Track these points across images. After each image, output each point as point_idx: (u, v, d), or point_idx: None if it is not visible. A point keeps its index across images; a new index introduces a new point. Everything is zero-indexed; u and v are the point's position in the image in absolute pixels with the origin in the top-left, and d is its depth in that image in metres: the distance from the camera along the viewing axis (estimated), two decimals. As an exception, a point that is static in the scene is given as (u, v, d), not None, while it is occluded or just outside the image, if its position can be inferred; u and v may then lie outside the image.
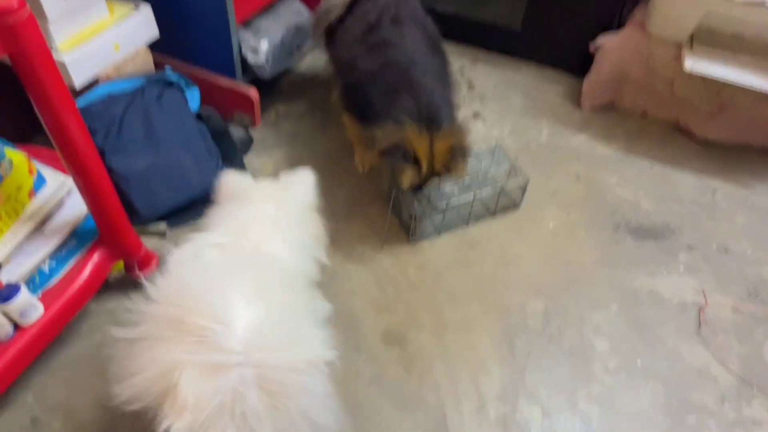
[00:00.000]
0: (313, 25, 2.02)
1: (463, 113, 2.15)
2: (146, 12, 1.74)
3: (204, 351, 0.82)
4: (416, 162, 1.56)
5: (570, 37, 2.31)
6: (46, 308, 1.31)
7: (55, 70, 1.09)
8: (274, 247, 1.16)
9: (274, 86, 2.27)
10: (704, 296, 1.67)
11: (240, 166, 1.89)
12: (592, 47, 2.21)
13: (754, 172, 2.08)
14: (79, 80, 1.61)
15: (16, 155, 1.37)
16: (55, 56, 1.52)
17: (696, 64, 1.91)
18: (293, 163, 1.99)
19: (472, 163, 1.78)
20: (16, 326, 1.28)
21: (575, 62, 2.36)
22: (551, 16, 2.31)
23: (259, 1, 1.99)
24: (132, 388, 0.85)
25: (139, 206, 1.67)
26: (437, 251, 1.76)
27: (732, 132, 2.12)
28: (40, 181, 1.45)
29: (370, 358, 1.49)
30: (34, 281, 1.35)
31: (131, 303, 0.92)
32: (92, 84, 1.71)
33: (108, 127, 1.66)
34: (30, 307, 1.27)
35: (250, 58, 1.92)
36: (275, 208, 1.23)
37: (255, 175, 1.94)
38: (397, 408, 1.39)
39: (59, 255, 1.41)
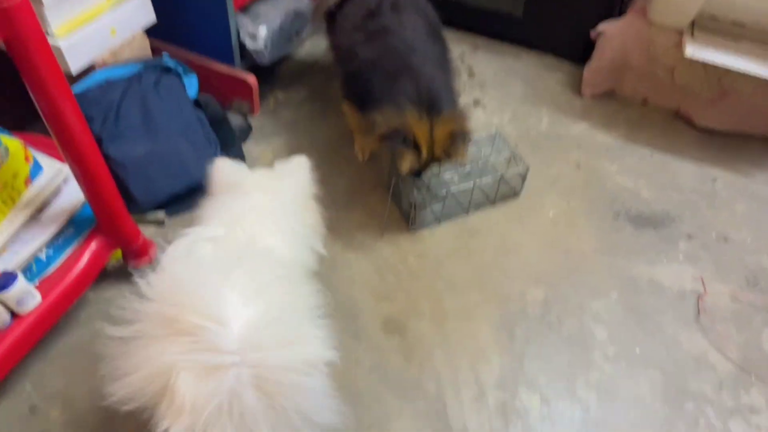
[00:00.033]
0: (313, 11, 2.00)
1: (463, 100, 2.13)
2: (143, -4, 1.72)
3: (199, 351, 0.81)
4: (416, 147, 1.55)
5: (571, 24, 2.29)
6: (43, 297, 1.30)
7: (51, 55, 1.08)
8: (270, 239, 1.15)
9: (273, 73, 2.25)
10: (703, 284, 1.67)
11: (239, 154, 1.88)
12: (593, 34, 2.20)
13: (754, 161, 2.07)
14: (75, 66, 1.59)
15: (11, 142, 1.36)
16: (50, 41, 1.50)
17: (697, 50, 1.90)
18: (292, 151, 1.97)
19: (472, 151, 1.77)
20: (14, 315, 1.27)
21: (576, 49, 2.34)
22: (552, 3, 2.28)
23: (258, -14, 1.97)
24: (126, 387, 0.84)
25: (136, 194, 1.66)
26: (437, 240, 1.75)
27: (732, 120, 2.11)
28: (37, 168, 1.44)
29: (370, 346, 1.48)
30: (31, 269, 1.35)
31: (125, 301, 0.90)
32: (88, 70, 1.69)
33: (105, 113, 1.64)
34: (27, 295, 1.27)
35: (249, 44, 1.90)
36: (270, 197, 1.21)
37: (254, 163, 1.93)
38: (397, 396, 1.39)
39: (56, 243, 1.40)
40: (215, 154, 1.77)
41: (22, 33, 1.00)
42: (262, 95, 2.11)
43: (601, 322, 1.57)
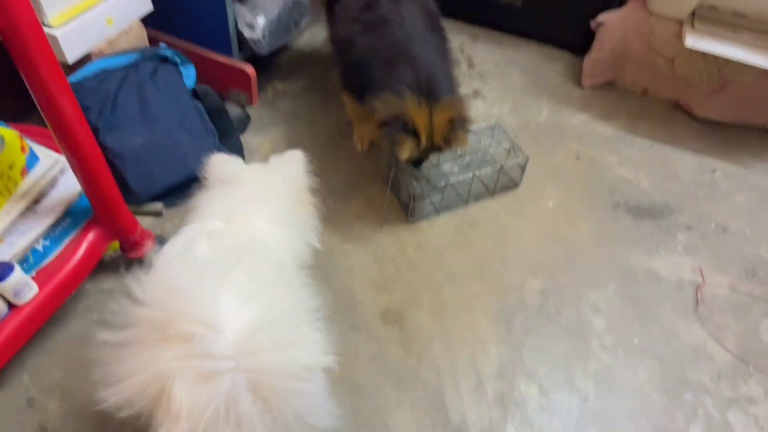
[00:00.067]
0: (312, 0, 1.98)
1: (463, 91, 2.12)
2: (139, -15, 1.71)
3: (194, 357, 0.80)
4: (415, 134, 1.55)
5: (571, 15, 2.28)
6: (40, 288, 1.30)
7: (46, 45, 1.06)
8: (265, 233, 1.15)
9: (271, 63, 2.23)
10: (702, 275, 1.67)
11: (237, 144, 1.87)
12: (593, 24, 2.18)
13: (753, 152, 2.07)
14: (71, 55, 1.58)
15: (7, 133, 1.35)
16: (46, 30, 1.49)
17: (697, 41, 1.89)
18: (291, 142, 1.97)
19: (471, 142, 1.76)
20: (10, 306, 1.26)
21: (576, 40, 2.33)
22: (552, -7, 2.27)
23: (255, -25, 1.95)
24: (120, 393, 0.83)
25: (134, 185, 1.65)
26: (436, 231, 1.75)
27: (732, 111, 2.10)
28: (33, 159, 1.43)
29: (368, 337, 1.48)
30: (28, 260, 1.34)
31: (118, 305, 0.89)
32: (85, 59, 1.68)
33: (102, 103, 1.63)
34: (24, 286, 1.26)
35: (247, 33, 1.89)
36: (265, 190, 1.21)
37: (252, 153, 1.92)
38: (396, 387, 1.39)
39: (53, 234, 1.39)
40: (213, 145, 1.76)
41: (18, 22, 0.99)
42: (261, 86, 2.10)
43: (600, 313, 1.57)
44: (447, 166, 1.90)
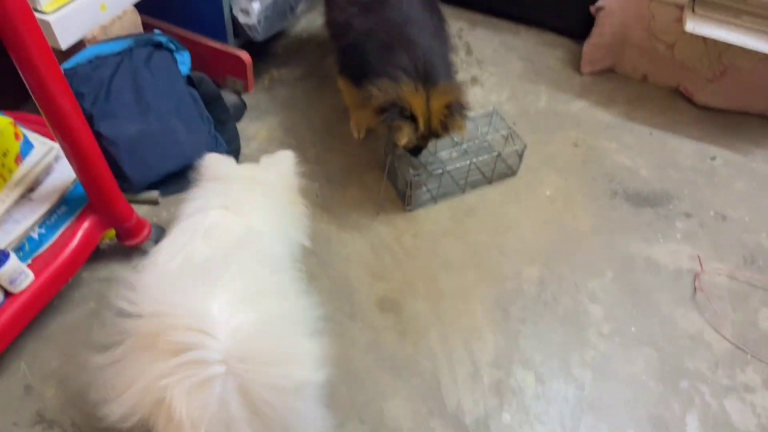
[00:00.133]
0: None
1: (461, 78, 2.10)
2: (133, -30, 1.68)
3: (188, 365, 0.80)
4: (413, 119, 1.53)
5: (570, 0, 2.25)
6: (36, 275, 1.30)
7: (38, 30, 1.05)
8: (261, 225, 1.15)
9: (268, 50, 2.21)
10: (700, 263, 1.66)
11: (233, 132, 1.85)
12: (592, 9, 2.16)
13: (754, 139, 2.05)
14: (64, 41, 1.56)
15: (0, 120, 1.34)
16: (38, 16, 1.47)
17: (697, 25, 1.87)
18: (287, 129, 1.96)
19: (469, 129, 1.75)
20: (6, 294, 1.26)
21: (576, 26, 2.30)
22: (551, -22, 2.25)
23: (251, -40, 1.92)
24: (120, 407, 0.83)
25: (129, 173, 1.64)
26: (433, 219, 1.74)
27: (732, 97, 2.09)
28: (27, 146, 1.42)
29: (365, 325, 1.48)
30: (23, 248, 1.34)
31: (110, 320, 0.88)
32: (78, 46, 1.66)
33: (96, 91, 1.62)
34: (19, 274, 1.26)
35: (242, 19, 1.87)
36: (258, 188, 1.22)
37: (248, 141, 1.91)
38: (392, 375, 1.39)
39: (49, 222, 1.39)
40: (209, 133, 1.75)
41: (9, 7, 0.98)
42: (257, 73, 2.08)
43: (597, 301, 1.57)
44: (444, 153, 1.89)
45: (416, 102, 1.51)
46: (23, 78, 1.10)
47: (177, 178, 1.69)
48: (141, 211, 1.63)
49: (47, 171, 1.44)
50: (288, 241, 1.22)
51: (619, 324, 1.52)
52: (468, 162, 1.78)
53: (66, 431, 1.27)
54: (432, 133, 1.60)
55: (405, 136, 1.54)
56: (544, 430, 1.32)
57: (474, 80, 2.19)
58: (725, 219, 1.80)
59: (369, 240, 1.67)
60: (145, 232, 1.52)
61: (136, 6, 1.76)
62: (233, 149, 1.82)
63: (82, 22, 1.60)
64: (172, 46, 1.79)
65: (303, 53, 2.26)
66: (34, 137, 1.46)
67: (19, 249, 1.33)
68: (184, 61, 1.81)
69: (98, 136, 1.57)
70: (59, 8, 1.52)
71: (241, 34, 1.93)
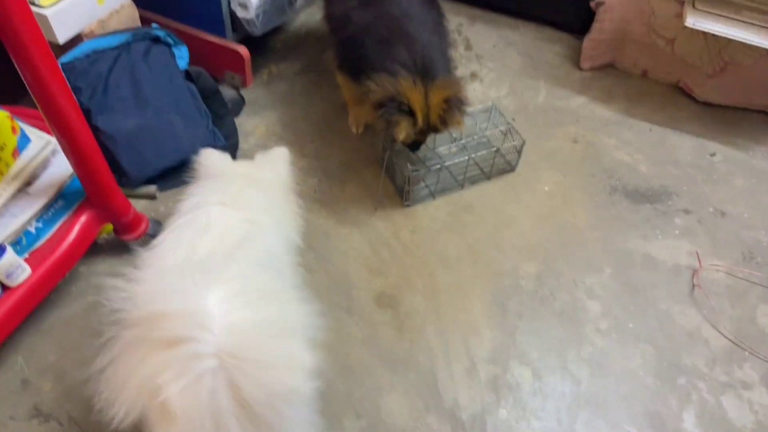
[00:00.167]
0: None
1: (460, 73, 2.10)
2: (131, -36, 1.68)
3: (182, 358, 0.80)
4: (411, 114, 1.53)
5: (571, -5, 2.25)
6: (33, 269, 1.30)
7: (34, 24, 1.05)
8: (259, 219, 1.15)
9: (266, 45, 2.21)
10: (698, 259, 1.66)
11: (231, 127, 1.85)
12: (592, 4, 2.15)
13: (754, 135, 2.05)
14: (62, 35, 1.56)
15: (-3, 114, 1.34)
16: (36, 10, 1.48)
17: (698, 20, 1.86)
18: (286, 125, 1.96)
19: (467, 124, 1.74)
20: (3, 287, 1.27)
21: (576, 21, 2.30)
22: (552, -27, 2.24)
23: (249, -46, 1.91)
24: (116, 400, 0.82)
25: (127, 168, 1.64)
26: (431, 215, 1.74)
27: (732, 93, 2.08)
28: (24, 140, 1.42)
29: (362, 320, 1.48)
30: (20, 242, 1.34)
31: (108, 314, 0.87)
32: (76, 40, 1.66)
33: (93, 85, 1.62)
34: (16, 268, 1.26)
35: (240, 13, 1.86)
36: (254, 184, 1.21)
37: (247, 136, 1.91)
38: (389, 370, 1.39)
39: (46, 216, 1.39)
40: (207, 127, 1.75)
41: (6, 1, 0.97)
42: (256, 68, 2.08)
43: (595, 297, 1.57)
44: (443, 148, 1.88)
45: (414, 96, 1.51)
46: (20, 72, 1.09)
47: (175, 173, 1.69)
48: (139, 205, 1.63)
49: (44, 165, 1.43)
50: (285, 239, 1.22)
51: (616, 320, 1.52)
52: (466, 158, 1.78)
53: (62, 425, 1.27)
54: (430, 128, 1.59)
55: (403, 131, 1.53)
56: (540, 426, 1.32)
57: (473, 75, 2.19)
58: (724, 215, 1.79)
59: (367, 235, 1.67)
60: (143, 226, 1.52)
61: (134, 0, 1.76)
62: (231, 144, 1.81)
63: (80, 17, 1.60)
64: (170, 41, 1.79)
65: (302, 48, 2.25)
66: (32, 131, 1.46)
67: (16, 243, 1.33)
68: (182, 55, 1.81)
69: (96, 130, 1.57)
70: (56, 2, 1.53)
71: (239, 28, 1.92)
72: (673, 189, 1.85)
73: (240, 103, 1.97)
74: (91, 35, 1.68)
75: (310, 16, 2.36)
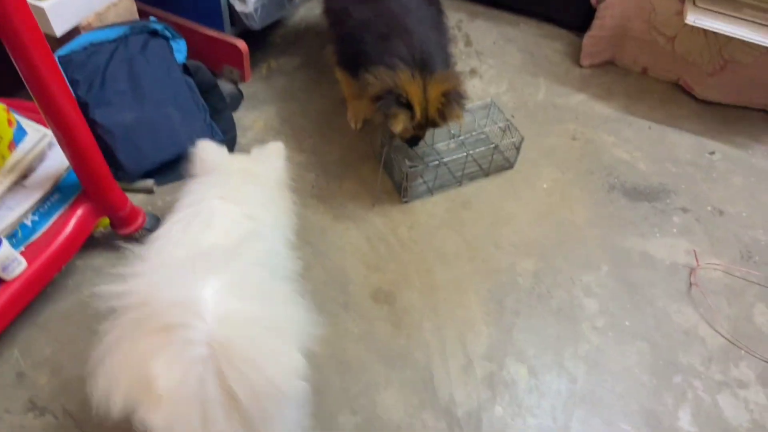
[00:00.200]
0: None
1: (460, 69, 2.09)
2: (129, -43, 1.67)
3: (173, 344, 0.80)
4: (409, 108, 1.52)
5: (571, -9, 2.24)
6: (29, 263, 1.30)
7: (30, 15, 1.04)
8: (258, 214, 1.15)
9: (265, 39, 2.20)
10: (696, 258, 1.66)
11: (229, 121, 1.84)
12: (593, 1, 2.14)
13: (753, 134, 2.04)
14: (59, 28, 1.55)
15: (-7, 106, 1.33)
16: (33, 2, 1.47)
17: (698, 18, 1.85)
18: (285, 120, 1.95)
19: (466, 121, 1.74)
20: (-1, 281, 1.26)
21: (576, 18, 2.29)
22: (552, -31, 2.23)
23: (248, -53, 1.90)
24: (108, 386, 0.82)
25: (124, 161, 1.63)
26: (429, 211, 1.74)
27: (733, 91, 2.07)
28: (21, 133, 1.41)
29: (359, 316, 1.48)
30: (16, 235, 1.33)
31: (104, 305, 0.87)
32: (73, 33, 1.65)
33: (91, 78, 1.61)
34: (12, 261, 1.26)
35: (238, 7, 1.85)
36: (251, 179, 1.21)
37: (245, 131, 1.90)
38: (385, 366, 1.39)
39: (42, 209, 1.38)
40: (204, 121, 1.74)
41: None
42: (255, 62, 2.07)
43: (592, 295, 1.56)
44: (441, 145, 1.88)
45: (413, 90, 1.51)
46: (15, 64, 1.09)
47: (172, 167, 1.68)
48: (136, 199, 1.63)
49: (41, 158, 1.43)
50: (282, 235, 1.21)
51: (613, 318, 1.52)
52: (465, 154, 1.77)
53: (58, 418, 1.27)
54: (429, 122, 1.59)
55: (400, 124, 1.53)
56: (536, 423, 1.32)
57: (473, 72, 2.18)
58: (722, 214, 1.79)
59: (364, 231, 1.67)
60: (140, 220, 1.51)
61: (132, -8, 1.76)
62: (229, 139, 1.81)
63: (77, 9, 1.59)
64: (168, 34, 1.78)
65: (301, 43, 2.24)
66: (28, 124, 1.45)
67: (12, 236, 1.32)
68: (180, 49, 1.80)
69: (93, 123, 1.56)
70: (54, -6, 1.52)
71: (237, 22, 1.91)
72: (671, 187, 1.85)
73: (238, 98, 1.96)
74: (89, 28, 1.67)
75: (309, 10, 2.35)
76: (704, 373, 1.43)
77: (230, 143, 1.81)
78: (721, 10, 1.88)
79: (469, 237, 1.67)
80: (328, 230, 1.66)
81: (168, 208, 1.17)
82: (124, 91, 1.64)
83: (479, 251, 1.64)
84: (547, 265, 1.62)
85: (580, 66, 2.23)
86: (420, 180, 1.79)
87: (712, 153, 1.97)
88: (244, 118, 1.94)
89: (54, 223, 1.38)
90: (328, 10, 1.85)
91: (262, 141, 1.85)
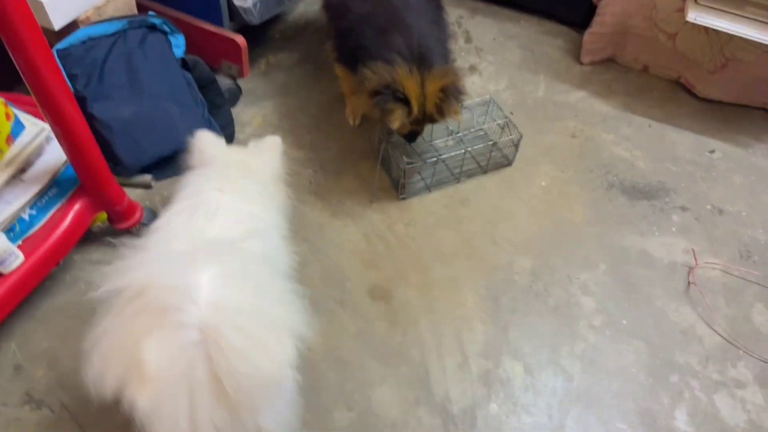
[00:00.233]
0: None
1: (459, 66, 2.08)
2: (128, -49, 1.67)
3: (164, 327, 0.80)
4: (407, 103, 1.52)
5: (572, -12, 2.23)
6: (26, 257, 1.30)
7: (27, 9, 1.04)
8: (256, 207, 1.15)
9: (264, 35, 2.19)
10: (695, 257, 1.65)
11: (227, 117, 1.84)
12: (594, -2, 2.14)
13: (754, 133, 2.03)
14: (57, 22, 1.55)
15: (-9, 100, 1.33)
16: (30, -4, 1.46)
17: (699, 15, 1.84)
18: (283, 115, 1.95)
19: (465, 117, 1.73)
20: (-4, 274, 1.26)
21: (577, 15, 2.28)
22: (554, -35, 2.22)
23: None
24: (100, 369, 0.83)
25: (122, 156, 1.63)
26: (427, 208, 1.73)
27: (734, 90, 2.06)
28: (18, 126, 1.41)
29: (355, 313, 1.48)
30: (14, 229, 1.33)
31: (101, 294, 0.88)
32: (72, 27, 1.65)
33: (89, 72, 1.61)
34: (9, 255, 1.26)
35: (237, 1, 1.84)
36: (248, 173, 1.21)
37: (243, 126, 1.90)
38: (381, 363, 1.39)
39: (40, 203, 1.38)
40: (203, 116, 1.74)
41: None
42: (254, 57, 2.07)
43: (589, 293, 1.56)
44: (439, 141, 1.87)
45: (410, 85, 1.50)
46: (12, 58, 1.09)
47: (170, 162, 1.68)
48: (134, 194, 1.63)
49: (38, 152, 1.43)
50: (278, 229, 1.22)
51: (610, 316, 1.52)
52: (463, 151, 1.77)
53: (54, 411, 1.27)
54: (426, 117, 1.58)
55: (398, 119, 1.52)
56: (531, 421, 1.32)
57: (472, 68, 2.17)
58: (722, 213, 1.79)
59: (362, 228, 1.67)
60: (137, 215, 1.51)
61: (131, -13, 1.75)
62: (227, 134, 1.81)
63: (76, 3, 1.59)
64: (167, 29, 1.78)
65: (300, 39, 2.24)
66: (26, 117, 1.45)
67: (9, 230, 1.32)
68: (178, 43, 1.80)
69: (91, 118, 1.56)
70: (52, -12, 1.51)
71: (236, 17, 1.91)
72: (671, 186, 1.84)
73: (237, 93, 1.96)
74: (87, 22, 1.67)
75: (308, 6, 2.34)
76: (701, 372, 1.43)
77: (229, 138, 1.81)
78: (723, 8, 1.87)
79: (466, 234, 1.67)
80: (325, 227, 1.66)
81: (166, 203, 1.17)
82: (123, 86, 1.64)
83: (477, 249, 1.64)
84: (544, 263, 1.62)
85: (581, 63, 2.22)
86: (418, 177, 1.78)
87: (712, 152, 1.96)
88: (243, 113, 1.94)
89: (51, 218, 1.38)
90: (327, 5, 1.84)
91: (260, 136, 1.81)
